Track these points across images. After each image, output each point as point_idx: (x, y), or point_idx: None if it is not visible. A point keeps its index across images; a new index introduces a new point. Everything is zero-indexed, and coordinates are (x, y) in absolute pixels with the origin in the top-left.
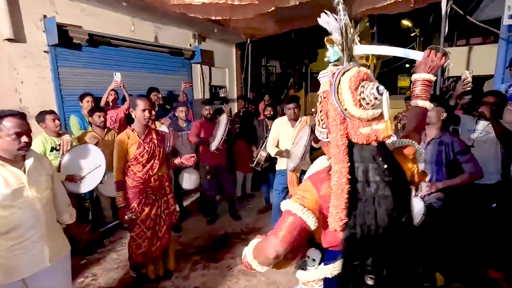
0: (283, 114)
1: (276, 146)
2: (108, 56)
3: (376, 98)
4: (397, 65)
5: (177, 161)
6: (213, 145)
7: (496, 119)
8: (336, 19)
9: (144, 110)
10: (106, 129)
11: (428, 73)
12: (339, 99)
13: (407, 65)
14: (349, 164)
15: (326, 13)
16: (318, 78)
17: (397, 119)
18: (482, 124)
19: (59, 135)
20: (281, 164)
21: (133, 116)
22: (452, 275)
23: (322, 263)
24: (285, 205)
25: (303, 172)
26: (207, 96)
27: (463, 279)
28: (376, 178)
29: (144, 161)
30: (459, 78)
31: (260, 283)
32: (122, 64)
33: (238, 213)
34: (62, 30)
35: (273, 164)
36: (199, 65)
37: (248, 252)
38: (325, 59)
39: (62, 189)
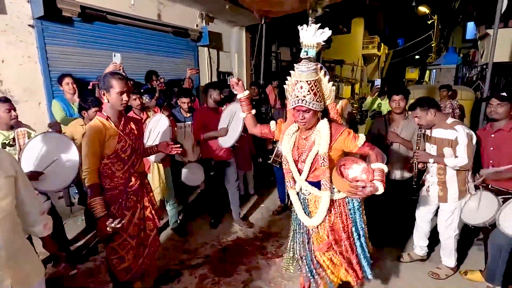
0: None
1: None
2: (104, 34)
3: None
4: (407, 56)
5: (152, 149)
6: (228, 142)
7: None
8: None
9: (121, 93)
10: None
11: None
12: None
13: (417, 57)
14: None
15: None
16: (298, 68)
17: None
18: None
19: (12, 128)
20: None
21: (105, 100)
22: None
23: None
24: (363, 137)
25: None
26: None
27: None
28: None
29: (126, 157)
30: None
31: None
32: (120, 44)
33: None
34: (48, 0)
35: None
36: (206, 48)
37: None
38: (302, 55)
39: (32, 193)
